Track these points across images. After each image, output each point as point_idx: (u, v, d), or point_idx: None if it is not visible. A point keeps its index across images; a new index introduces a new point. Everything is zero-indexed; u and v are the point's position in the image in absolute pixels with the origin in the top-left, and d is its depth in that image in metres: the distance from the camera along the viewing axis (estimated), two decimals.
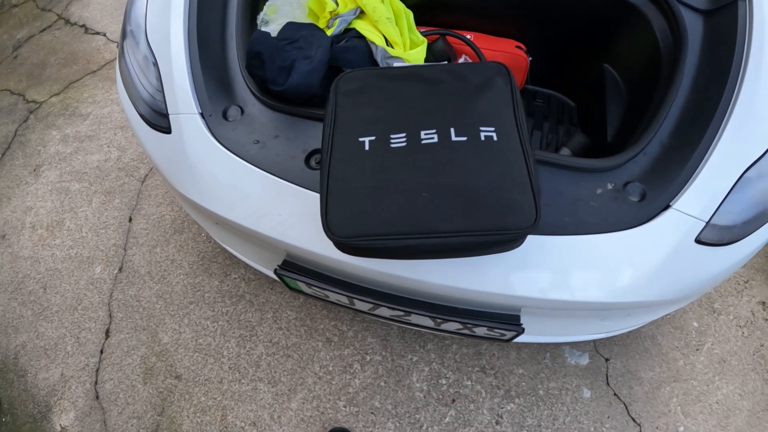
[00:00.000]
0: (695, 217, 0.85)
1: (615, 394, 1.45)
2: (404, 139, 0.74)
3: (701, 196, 0.86)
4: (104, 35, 2.32)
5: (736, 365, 1.50)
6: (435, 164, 0.71)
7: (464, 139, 0.73)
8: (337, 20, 1.10)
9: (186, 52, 1.04)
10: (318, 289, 1.01)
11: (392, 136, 0.74)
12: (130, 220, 1.75)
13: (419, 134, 0.74)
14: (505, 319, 0.96)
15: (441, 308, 0.96)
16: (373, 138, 0.74)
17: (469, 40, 1.17)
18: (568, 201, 0.85)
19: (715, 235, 0.86)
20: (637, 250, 0.84)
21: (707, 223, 0.85)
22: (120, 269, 1.66)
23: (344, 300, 1.04)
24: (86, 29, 2.37)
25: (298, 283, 1.02)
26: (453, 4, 1.26)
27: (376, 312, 1.06)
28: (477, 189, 0.69)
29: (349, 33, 1.12)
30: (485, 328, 0.99)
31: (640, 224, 0.84)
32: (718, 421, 1.42)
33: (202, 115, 0.98)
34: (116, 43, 2.27)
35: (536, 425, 1.40)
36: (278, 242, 0.89)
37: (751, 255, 0.92)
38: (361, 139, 0.74)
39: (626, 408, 1.43)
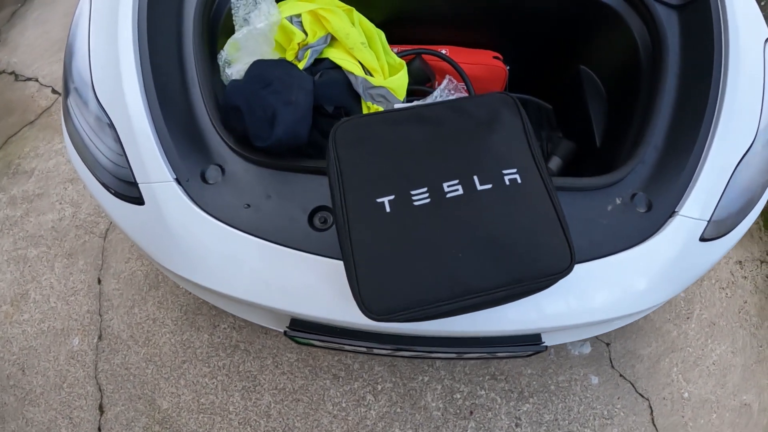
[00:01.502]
0: (699, 219, 0.87)
1: (621, 375, 1.49)
2: (427, 195, 0.68)
3: (702, 197, 0.87)
4: (36, 80, 2.09)
5: (725, 325, 1.58)
6: (465, 219, 0.67)
7: (489, 186, 0.69)
8: (308, 51, 1.03)
9: (146, 109, 0.92)
10: (333, 343, 0.96)
11: (413, 192, 0.69)
12: (99, 281, 1.61)
13: (442, 187, 0.69)
14: (527, 341, 0.96)
15: (465, 341, 0.94)
16: (392, 197, 0.68)
17: (445, 55, 1.12)
18: (582, 223, 0.84)
19: (715, 230, 0.89)
20: (651, 261, 0.85)
21: (709, 221, 0.87)
22: (99, 337, 1.53)
23: (362, 349, 1.00)
24: (16, 76, 2.13)
25: (311, 339, 0.97)
26: (423, 18, 1.20)
27: (397, 354, 1.02)
28: (510, 239, 0.67)
29: (322, 64, 1.04)
30: (508, 352, 0.98)
31: (651, 235, 0.85)
32: (717, 380, 1.50)
33: (177, 180, 0.88)
34: (50, 88, 2.06)
35: (553, 420, 1.42)
36: (288, 313, 0.83)
37: (742, 236, 0.96)
38: (379, 200, 0.68)
39: (633, 386, 1.48)
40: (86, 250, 1.66)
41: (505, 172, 0.70)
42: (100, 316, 1.55)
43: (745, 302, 1.62)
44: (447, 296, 0.64)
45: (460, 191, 0.68)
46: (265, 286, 0.82)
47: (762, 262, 1.69)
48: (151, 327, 1.53)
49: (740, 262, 1.69)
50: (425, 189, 0.69)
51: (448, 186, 0.69)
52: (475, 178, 0.69)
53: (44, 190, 1.79)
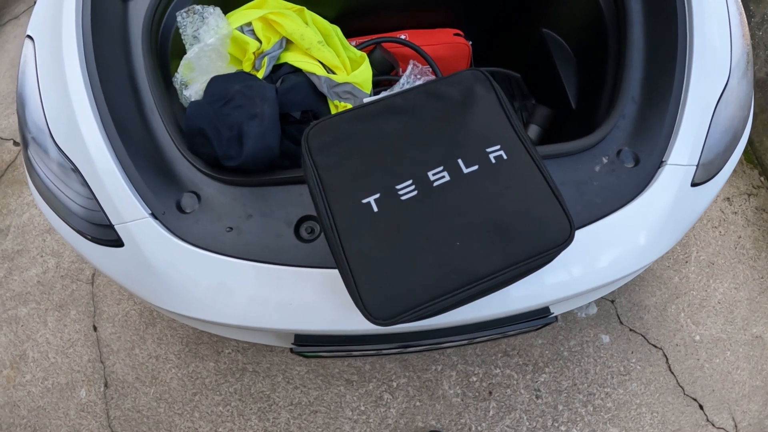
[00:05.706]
0: (687, 165, 0.86)
1: (631, 330, 1.50)
2: (413, 187, 0.66)
3: (688, 142, 0.86)
4: None
5: (723, 263, 1.59)
6: (457, 205, 0.65)
7: (476, 168, 0.66)
8: (265, 59, 0.99)
9: (108, 147, 0.87)
10: (341, 352, 0.94)
11: (398, 186, 0.66)
12: (95, 328, 1.57)
13: (428, 176, 0.66)
14: (536, 315, 0.95)
15: (474, 327, 0.93)
16: (377, 196, 0.66)
17: (405, 40, 1.09)
18: (572, 188, 0.82)
19: (705, 173, 0.89)
20: (647, 215, 0.84)
21: (698, 165, 0.87)
22: (105, 385, 1.49)
23: (371, 352, 0.98)
24: None
25: (318, 352, 0.94)
26: (376, 6, 1.16)
27: (407, 350, 1.01)
28: (506, 218, 0.65)
29: (282, 69, 1.01)
30: (518, 329, 0.97)
31: (643, 189, 0.84)
32: (725, 318, 1.51)
33: (153, 215, 0.85)
34: (11, 140, 1.98)
35: (572, 385, 1.43)
36: (290, 331, 0.81)
37: (730, 174, 0.95)
38: (365, 201, 0.65)
39: (644, 338, 1.49)
40: (76, 299, 1.61)
41: (489, 150, 0.67)
42: (102, 363, 1.51)
43: (740, 237, 1.63)
44: (452, 288, 0.61)
45: (447, 177, 0.66)
46: (261, 308, 0.80)
47: (750, 195, 1.70)
48: (155, 365, 1.49)
49: (728, 198, 1.70)
50: (410, 181, 0.66)
51: (434, 174, 0.66)
52: (460, 161, 0.67)
53: (23, 246, 1.73)
